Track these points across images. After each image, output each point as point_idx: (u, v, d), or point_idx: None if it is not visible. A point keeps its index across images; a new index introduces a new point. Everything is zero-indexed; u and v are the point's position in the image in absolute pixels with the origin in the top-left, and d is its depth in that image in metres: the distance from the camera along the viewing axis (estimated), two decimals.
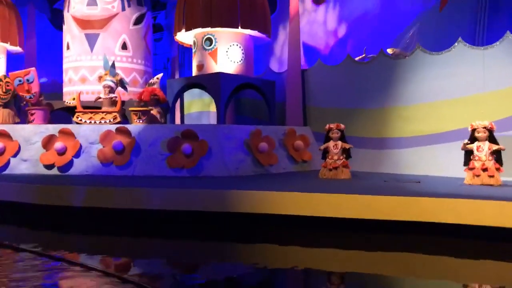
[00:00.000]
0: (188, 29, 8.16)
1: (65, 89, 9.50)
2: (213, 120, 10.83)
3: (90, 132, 7.17)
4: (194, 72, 8.61)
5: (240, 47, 8.36)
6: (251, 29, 8.12)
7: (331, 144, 6.43)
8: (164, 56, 13.73)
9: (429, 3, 8.26)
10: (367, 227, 4.47)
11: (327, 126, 6.44)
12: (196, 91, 10.45)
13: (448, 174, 6.38)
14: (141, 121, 7.85)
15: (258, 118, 9.63)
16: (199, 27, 8.03)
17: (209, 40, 8.23)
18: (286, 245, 4.44)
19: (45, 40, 11.84)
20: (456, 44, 6.64)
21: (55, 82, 11.27)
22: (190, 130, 6.90)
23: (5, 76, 8.11)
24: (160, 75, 8.58)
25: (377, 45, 8.07)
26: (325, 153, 6.51)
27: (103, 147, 7.00)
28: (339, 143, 6.40)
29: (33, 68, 8.05)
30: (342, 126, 6.42)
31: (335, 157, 6.36)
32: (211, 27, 7.96)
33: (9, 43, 9.48)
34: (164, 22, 12.81)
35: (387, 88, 7.34)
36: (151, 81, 8.44)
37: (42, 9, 11.70)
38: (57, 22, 12.25)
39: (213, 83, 7.71)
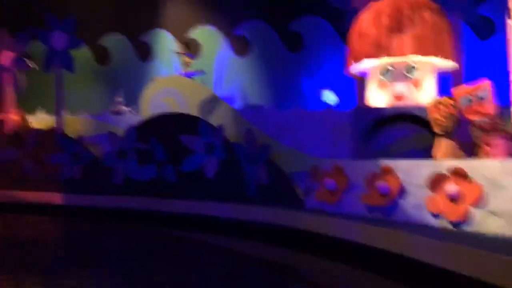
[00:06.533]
0: None
1: None
2: None
3: None
4: None
5: None
6: None
7: None
8: None
9: None
10: None
11: None
12: None
13: None
14: None
15: None
16: None
17: None
18: None
19: (468, 53, 9.70)
20: None
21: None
22: None
23: (444, 97, 6.28)
24: None
25: None
26: None
27: None
28: None
29: (487, 81, 5.81)
30: None
31: None
32: None
33: (440, 56, 7.78)
34: None
35: None
36: None
37: (468, 17, 9.68)
38: (481, 31, 9.95)
39: None
